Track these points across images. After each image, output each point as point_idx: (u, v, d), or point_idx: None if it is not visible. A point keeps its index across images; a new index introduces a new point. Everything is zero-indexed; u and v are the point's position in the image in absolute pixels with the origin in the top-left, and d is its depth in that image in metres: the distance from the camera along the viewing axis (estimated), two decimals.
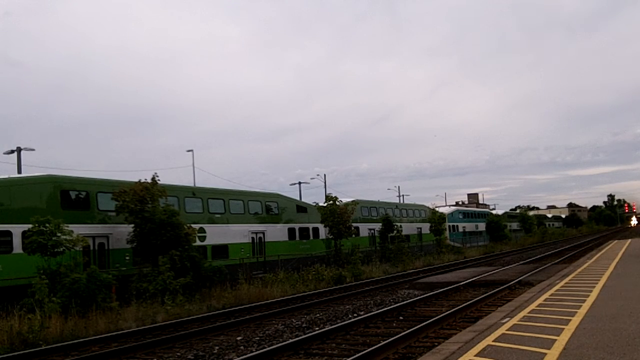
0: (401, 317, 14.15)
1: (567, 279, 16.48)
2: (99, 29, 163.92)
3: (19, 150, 35.94)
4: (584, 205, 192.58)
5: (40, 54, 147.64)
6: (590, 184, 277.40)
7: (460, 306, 14.29)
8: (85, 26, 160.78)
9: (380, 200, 49.03)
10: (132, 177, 28.96)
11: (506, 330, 8.63)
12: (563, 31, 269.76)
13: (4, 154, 36.46)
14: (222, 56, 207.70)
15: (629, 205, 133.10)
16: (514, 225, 78.79)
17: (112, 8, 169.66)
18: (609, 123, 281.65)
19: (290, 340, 11.05)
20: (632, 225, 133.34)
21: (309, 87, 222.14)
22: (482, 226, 68.91)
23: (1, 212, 18.58)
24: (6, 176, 21.07)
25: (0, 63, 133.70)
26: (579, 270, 19.61)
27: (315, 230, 34.67)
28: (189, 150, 63.37)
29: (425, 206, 54.92)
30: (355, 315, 15.20)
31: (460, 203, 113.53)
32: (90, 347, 12.55)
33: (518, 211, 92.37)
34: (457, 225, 62.69)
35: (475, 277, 22.70)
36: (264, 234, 30.30)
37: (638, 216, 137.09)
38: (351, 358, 8.96)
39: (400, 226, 40.89)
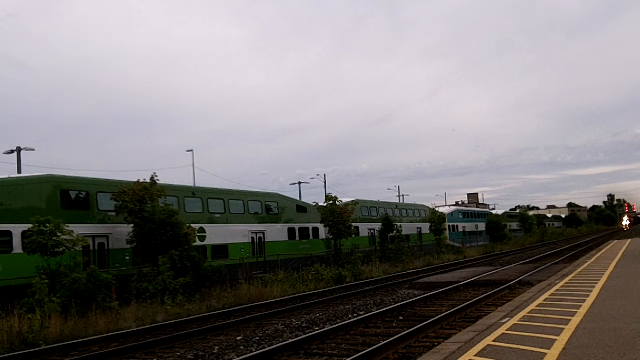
0: (401, 317, 14.14)
1: (567, 279, 16.48)
2: (100, 30, 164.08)
3: (19, 150, 35.93)
4: (584, 205, 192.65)
5: (42, 55, 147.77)
6: (590, 184, 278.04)
7: (460, 306, 14.28)
8: (86, 27, 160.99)
9: (380, 200, 49.04)
10: (132, 177, 28.94)
11: (506, 330, 8.63)
12: (563, 32, 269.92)
13: (4, 154, 36.52)
14: (223, 57, 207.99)
15: (629, 205, 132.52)
16: (514, 225, 78.77)
17: (114, 10, 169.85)
18: (609, 123, 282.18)
19: (290, 340, 11.05)
20: (624, 226, 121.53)
21: (310, 87, 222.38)
22: (482, 226, 68.89)
23: (1, 212, 18.59)
24: (6, 176, 21.07)
25: (3, 64, 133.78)
26: (579, 270, 19.60)
27: (315, 230, 34.66)
28: (189, 150, 63.34)
29: (425, 206, 54.93)
30: (355, 315, 15.19)
31: (460, 203, 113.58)
32: (90, 347, 12.55)
33: (518, 211, 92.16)
34: (457, 225, 62.69)
35: (475, 277, 22.69)
36: (264, 234, 30.30)
37: (637, 216, 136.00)
38: (351, 358, 8.96)
39: (400, 226, 40.91)
